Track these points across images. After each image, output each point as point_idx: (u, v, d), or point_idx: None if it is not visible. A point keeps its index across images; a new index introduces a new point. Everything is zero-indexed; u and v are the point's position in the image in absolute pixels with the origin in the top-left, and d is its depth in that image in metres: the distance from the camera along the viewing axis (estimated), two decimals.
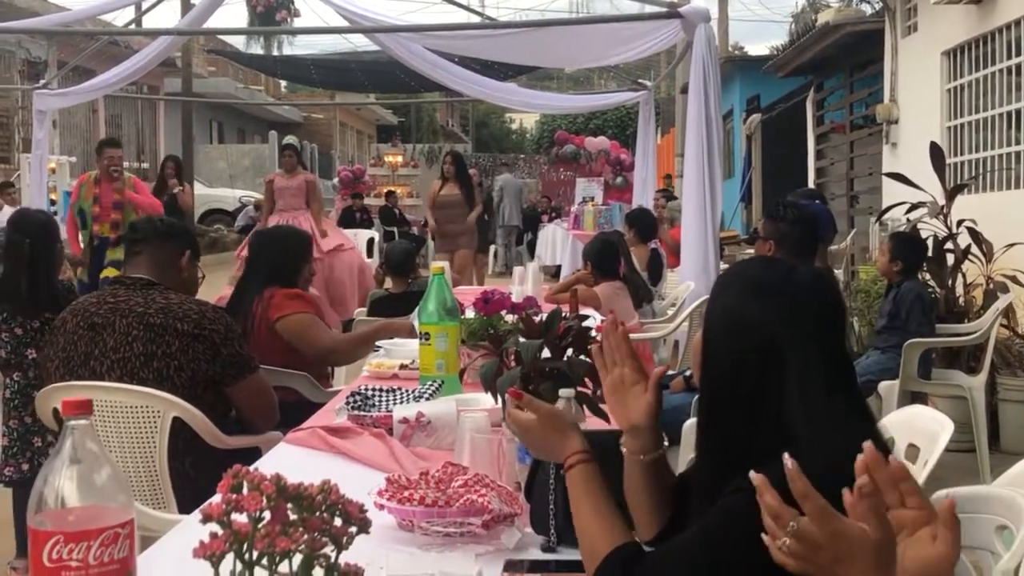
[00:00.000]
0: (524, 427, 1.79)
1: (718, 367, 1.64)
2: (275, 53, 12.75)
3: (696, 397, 2.25)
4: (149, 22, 11.50)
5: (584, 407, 2.11)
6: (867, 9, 11.95)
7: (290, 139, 11.45)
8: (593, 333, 2.44)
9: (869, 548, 1.20)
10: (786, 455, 1.22)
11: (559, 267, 15.16)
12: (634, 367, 1.82)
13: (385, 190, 21.41)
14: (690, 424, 3.46)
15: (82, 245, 8.81)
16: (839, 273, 9.02)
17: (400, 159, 25.42)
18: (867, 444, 1.21)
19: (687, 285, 6.45)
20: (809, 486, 1.20)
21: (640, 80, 11.75)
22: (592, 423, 2.11)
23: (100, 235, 8.53)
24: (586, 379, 2.18)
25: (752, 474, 1.24)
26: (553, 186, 22.63)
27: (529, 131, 55.87)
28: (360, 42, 13.52)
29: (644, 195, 10.88)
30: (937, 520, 1.21)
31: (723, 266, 7.94)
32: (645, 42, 7.05)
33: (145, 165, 22.80)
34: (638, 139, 11.43)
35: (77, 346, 3.16)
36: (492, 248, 16.94)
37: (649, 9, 6.69)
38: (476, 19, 11.28)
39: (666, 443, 1.84)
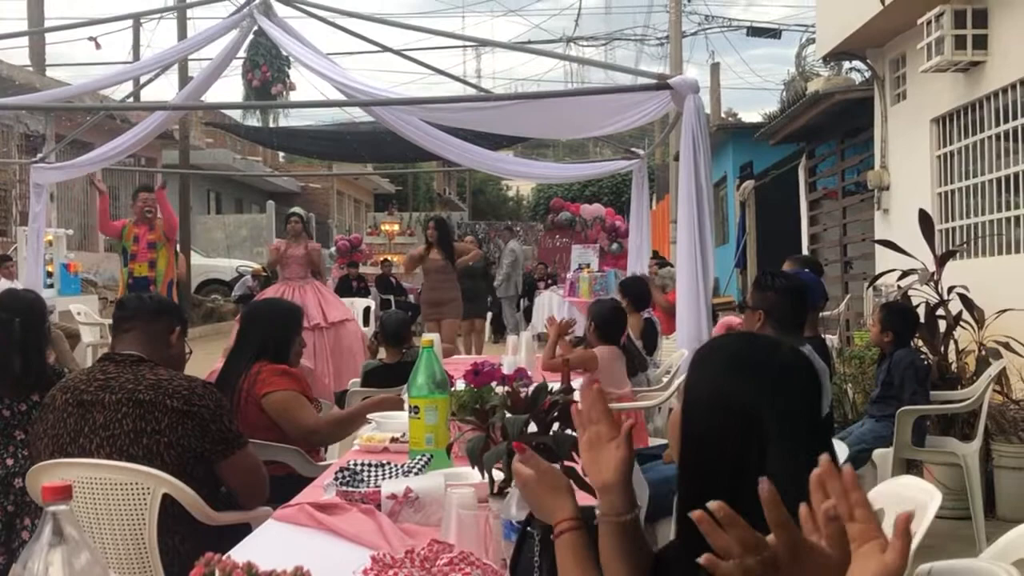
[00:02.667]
0: (524, 481, 1.81)
1: (700, 442, 1.66)
2: (272, 125, 12.88)
3: None
4: (147, 95, 11.66)
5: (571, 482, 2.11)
6: (856, 77, 12.09)
7: (296, 208, 11.52)
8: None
9: (831, 571, 1.22)
10: (763, 480, 1.23)
11: None
12: (610, 425, 1.84)
13: (381, 259, 21.49)
14: None
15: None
16: (833, 339, 9.03)
17: (397, 228, 25.57)
18: (823, 456, 1.24)
19: (681, 352, 6.46)
20: (786, 514, 1.22)
21: (633, 148, 11.83)
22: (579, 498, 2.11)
23: (136, 275, 9.19)
24: (572, 453, 2.19)
25: (712, 503, 1.26)
26: (549, 253, 22.72)
27: (526, 198, 56.21)
28: (356, 113, 13.63)
29: (639, 262, 10.91)
30: (882, 535, 1.23)
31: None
32: (637, 113, 7.11)
33: None
34: (632, 206, 11.48)
35: (66, 423, 3.16)
36: (489, 316, 16.95)
37: (639, 81, 6.77)
38: (471, 91, 11.41)
39: (640, 508, 1.84)
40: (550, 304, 16.52)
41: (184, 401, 3.12)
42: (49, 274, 13.48)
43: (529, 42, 27.18)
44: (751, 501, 1.54)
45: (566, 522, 1.73)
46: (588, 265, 17.75)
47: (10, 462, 4.10)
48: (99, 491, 3.02)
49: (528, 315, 18.44)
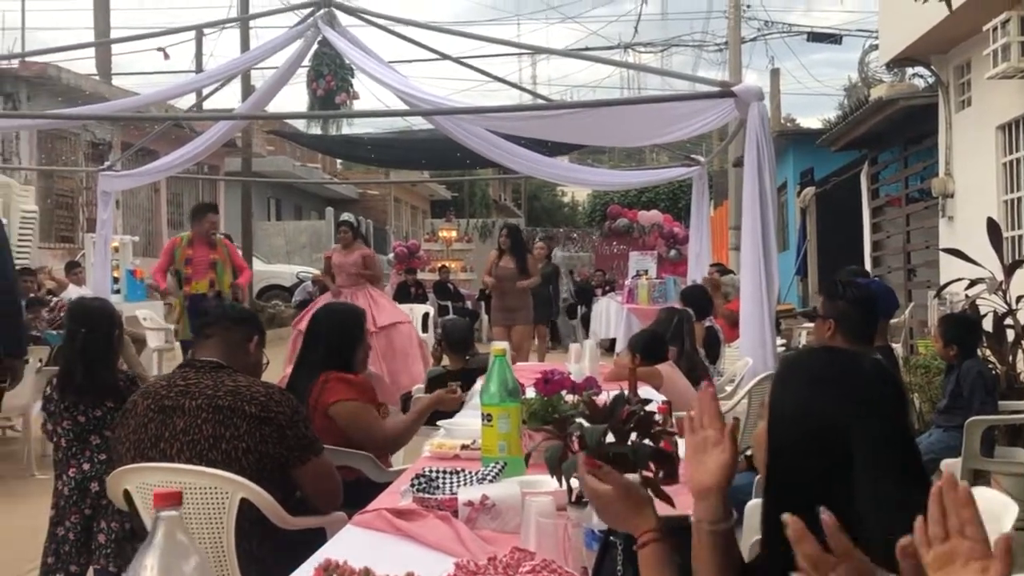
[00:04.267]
0: (598, 496, 1.83)
1: (785, 460, 1.68)
2: (333, 133, 13.02)
3: (758, 478, 2.27)
4: (211, 103, 11.85)
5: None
6: (920, 83, 11.97)
7: (346, 215, 11.63)
8: (656, 416, 2.48)
9: None
10: (822, 508, 1.26)
11: (613, 340, 15.18)
12: (718, 429, 1.86)
13: (439, 265, 21.59)
14: (753, 504, 3.45)
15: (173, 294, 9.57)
16: (898, 348, 8.95)
17: (454, 234, 25.66)
18: (945, 471, 1.26)
19: (745, 361, 6.45)
20: (849, 543, 1.24)
21: (693, 156, 11.83)
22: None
23: (194, 293, 9.05)
24: (650, 463, 2.21)
25: (785, 516, 1.28)
26: (606, 259, 22.70)
27: (581, 204, 56.12)
28: (414, 120, 13.76)
29: (699, 269, 10.90)
30: (990, 556, 1.24)
31: (780, 341, 7.93)
32: (699, 120, 7.11)
33: None
34: (692, 214, 11.47)
35: (148, 428, 3.24)
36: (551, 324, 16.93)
37: (702, 88, 6.78)
38: (528, 97, 11.47)
39: (735, 516, 1.86)
40: (608, 311, 16.51)
41: (262, 407, 3.19)
42: (115, 280, 13.71)
43: (586, 48, 27.17)
44: (839, 516, 1.56)
45: (649, 533, 1.75)
46: (646, 272, 17.73)
47: (86, 467, 4.21)
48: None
49: (586, 322, 18.44)
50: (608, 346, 15.11)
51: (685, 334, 6.61)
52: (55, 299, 11.52)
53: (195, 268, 9.26)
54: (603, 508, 1.85)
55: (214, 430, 3.17)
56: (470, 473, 2.96)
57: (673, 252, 20.10)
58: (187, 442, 3.18)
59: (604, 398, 2.80)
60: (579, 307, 19.49)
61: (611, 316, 16.19)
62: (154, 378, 3.72)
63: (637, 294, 15.78)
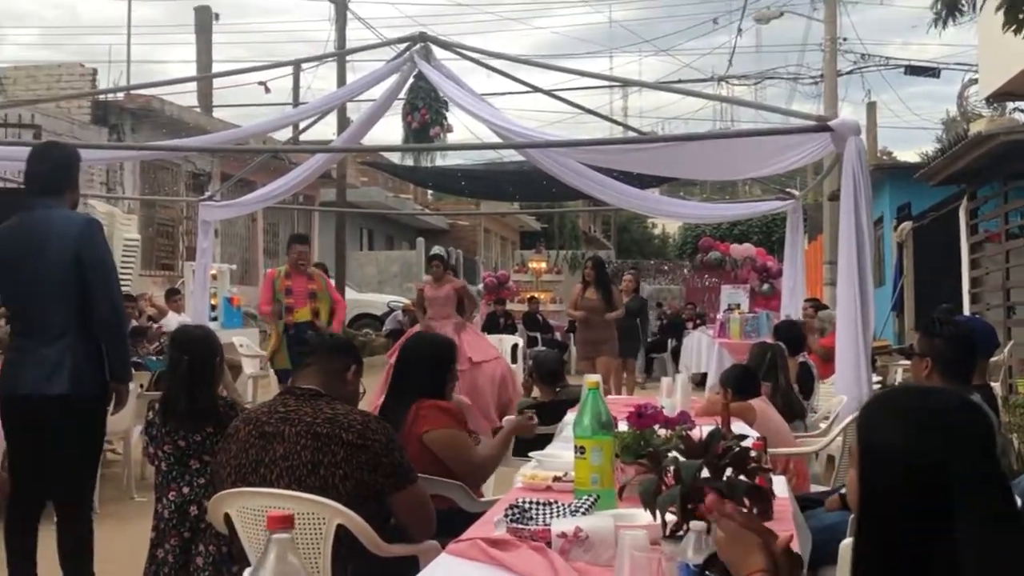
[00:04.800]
0: (730, 534, 1.85)
1: (876, 499, 1.67)
2: (426, 165, 13.20)
3: (852, 517, 2.26)
4: (307, 135, 12.14)
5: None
6: (1021, 118, 11.74)
7: (437, 249, 11.81)
8: (752, 453, 2.48)
9: None
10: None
11: (704, 375, 15.05)
12: (744, 517, 1.88)
13: (528, 296, 21.66)
14: (847, 544, 3.41)
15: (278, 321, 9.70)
16: (997, 387, 8.75)
17: (543, 265, 25.75)
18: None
19: (840, 398, 6.37)
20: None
21: (788, 189, 11.72)
22: None
23: (296, 322, 9.23)
24: (745, 499, 2.22)
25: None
26: (697, 293, 22.54)
27: (672, 236, 55.96)
28: (506, 152, 13.88)
29: (793, 304, 10.78)
30: None
31: (875, 378, 7.81)
32: (794, 155, 7.05)
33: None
34: (786, 248, 11.36)
35: (248, 453, 3.32)
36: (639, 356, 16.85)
37: (797, 122, 6.74)
38: (620, 130, 11.50)
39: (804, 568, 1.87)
40: (699, 345, 16.39)
41: (358, 435, 3.25)
42: (213, 307, 14.00)
43: (679, 81, 27.15)
44: (936, 556, 1.56)
45: (756, 573, 1.76)
46: (739, 306, 17.56)
47: (186, 490, 4.31)
48: None
49: (676, 356, 18.32)
50: (699, 381, 15.00)
51: (779, 370, 6.56)
52: (155, 325, 11.83)
53: (296, 298, 9.53)
54: (728, 545, 1.86)
55: (312, 456, 3.24)
56: (563, 505, 2.98)
57: (766, 286, 19.88)
58: (286, 468, 3.25)
59: (698, 433, 2.80)
60: (669, 341, 19.37)
61: (702, 350, 16.06)
62: (256, 405, 3.82)
63: (729, 328, 15.63)
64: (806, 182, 17.46)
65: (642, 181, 11.25)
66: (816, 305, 11.23)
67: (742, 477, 2.25)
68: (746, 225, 35.19)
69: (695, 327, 18.50)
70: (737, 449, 2.25)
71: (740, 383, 5.88)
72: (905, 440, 1.67)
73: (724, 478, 2.24)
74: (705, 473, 2.24)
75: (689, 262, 25.69)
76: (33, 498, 4.79)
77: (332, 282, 10.39)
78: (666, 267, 31.12)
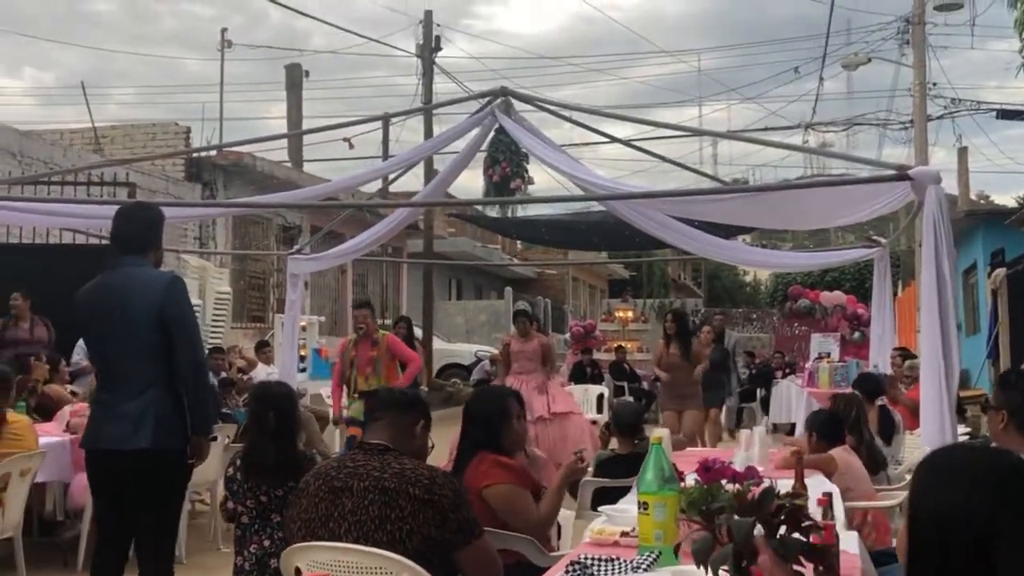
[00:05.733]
0: None
1: (924, 555, 1.66)
2: (511, 215, 13.32)
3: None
4: (395, 186, 12.34)
5: None
6: None
7: (522, 305, 11.87)
8: (815, 509, 2.45)
9: None
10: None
11: (793, 425, 14.82)
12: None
13: (615, 345, 21.58)
14: None
15: (344, 405, 9.71)
16: None
17: (630, 314, 25.65)
18: None
19: (924, 451, 6.24)
20: None
21: (874, 236, 11.58)
22: None
23: (363, 390, 9.30)
24: (800, 558, 2.20)
25: None
26: (787, 341, 22.26)
27: (763, 284, 55.44)
28: (590, 201, 13.93)
29: (881, 353, 10.60)
30: None
31: (964, 429, 7.63)
32: (876, 203, 6.97)
33: (388, 322, 23.90)
34: (874, 296, 11.20)
35: (318, 508, 3.38)
36: (726, 407, 16.65)
37: (877, 172, 6.66)
38: (703, 179, 11.47)
39: None
40: (788, 394, 16.16)
41: (425, 490, 3.28)
42: (302, 358, 14.23)
43: (765, 128, 27.01)
44: None
45: None
46: (828, 354, 17.27)
47: (267, 543, 4.39)
48: (347, 575, 3.20)
49: (765, 405, 18.07)
50: (788, 430, 14.77)
51: (862, 425, 6.46)
52: (245, 377, 12.05)
53: (359, 368, 9.50)
54: None
55: (380, 511, 3.28)
56: (625, 562, 2.97)
57: (857, 334, 19.54)
58: (354, 522, 3.29)
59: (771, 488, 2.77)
60: (758, 390, 19.12)
61: (791, 400, 15.83)
62: (326, 460, 3.88)
63: (818, 377, 15.36)
64: (899, 226, 17.17)
65: (727, 230, 11.20)
66: (904, 354, 11.02)
67: (797, 535, 2.23)
68: (838, 272, 34.65)
69: (784, 376, 18.24)
70: (790, 506, 2.24)
71: (825, 428, 5.80)
72: (953, 498, 1.65)
73: (778, 536, 2.22)
74: (760, 531, 2.23)
75: (778, 310, 25.39)
76: (117, 549, 4.91)
77: (401, 342, 10.23)
78: (755, 315, 30.82)
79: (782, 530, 2.25)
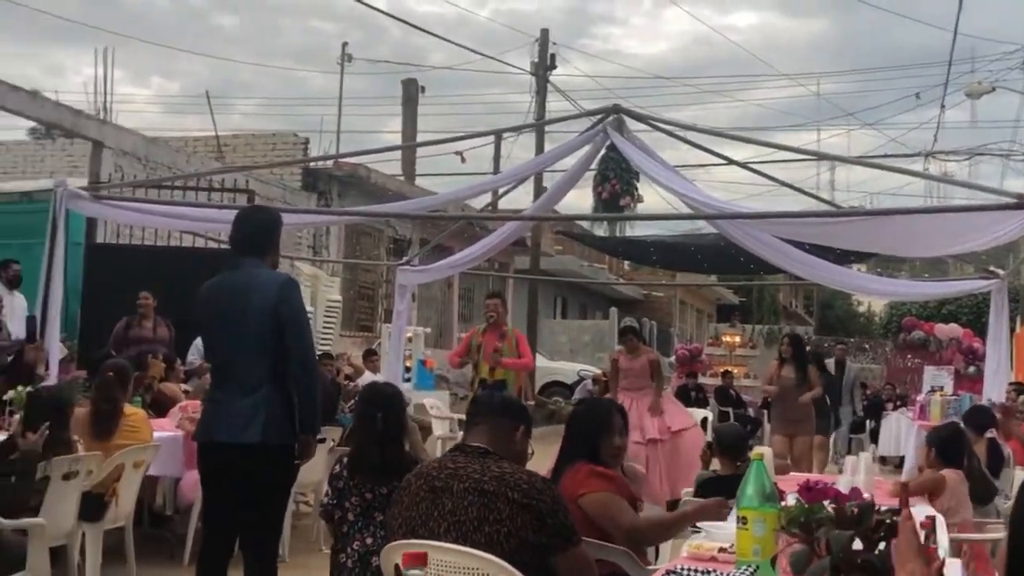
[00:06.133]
0: None
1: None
2: (619, 235, 13.30)
3: None
4: (504, 204, 12.45)
5: None
6: None
7: (628, 321, 11.88)
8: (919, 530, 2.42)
9: None
10: None
11: (902, 458, 14.49)
12: (921, 564, 1.83)
13: (722, 370, 21.36)
14: None
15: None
16: None
17: (738, 339, 25.35)
18: None
19: None
20: None
21: (991, 268, 11.28)
22: None
23: (480, 377, 9.61)
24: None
25: None
26: (899, 373, 21.81)
27: (877, 314, 54.38)
28: (700, 224, 13.84)
29: (995, 387, 10.32)
30: None
31: None
32: (993, 232, 6.83)
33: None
34: (989, 329, 10.92)
35: (419, 507, 3.43)
36: (834, 435, 16.36)
37: (994, 199, 6.53)
38: (821, 206, 11.31)
39: None
40: (898, 427, 15.82)
41: (524, 494, 3.32)
42: (407, 369, 14.41)
43: (885, 156, 26.49)
44: None
45: None
46: (941, 388, 16.87)
47: (369, 541, 4.47)
48: (444, 574, 3.25)
49: (875, 437, 17.71)
50: (897, 463, 14.47)
51: (969, 456, 6.31)
52: (352, 384, 12.24)
53: (484, 354, 9.75)
54: None
55: (479, 513, 3.32)
56: (719, 574, 2.96)
57: (972, 368, 19.04)
58: (453, 523, 3.34)
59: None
60: (868, 422, 18.75)
61: (900, 432, 15.49)
62: (428, 460, 3.95)
63: (930, 411, 15.01)
64: (1018, 260, 16.70)
65: (841, 257, 11.04)
66: (1020, 389, 10.72)
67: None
68: (954, 305, 33.84)
69: (895, 408, 17.86)
70: (890, 521, 2.21)
71: (946, 446, 5.67)
72: None
73: (877, 551, 2.20)
74: (859, 545, 2.21)
75: (892, 341, 24.87)
76: (223, 544, 5.04)
77: (525, 339, 10.61)
78: (867, 345, 30.19)
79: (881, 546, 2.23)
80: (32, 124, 20.65)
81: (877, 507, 2.30)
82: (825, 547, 2.25)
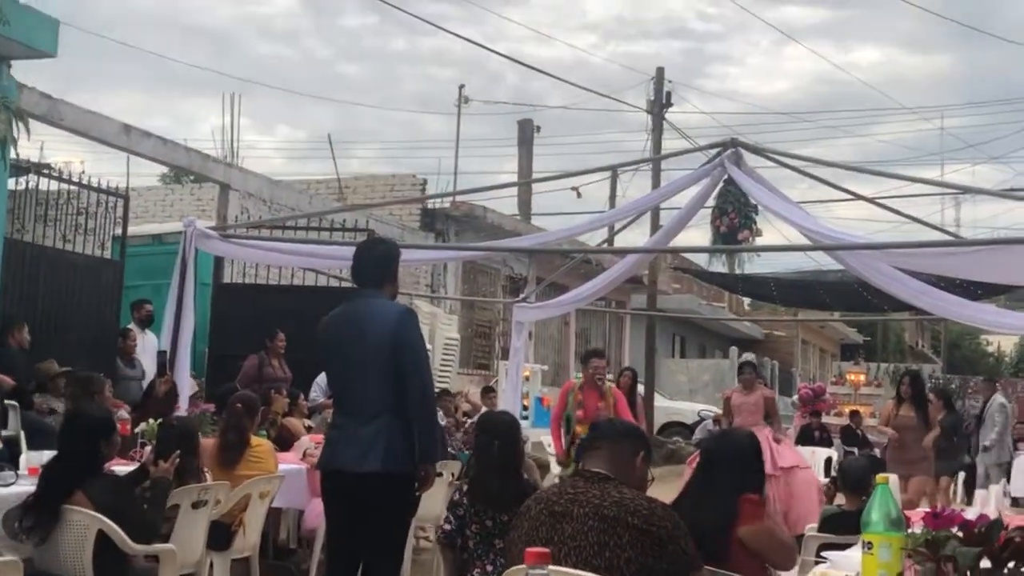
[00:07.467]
0: None
1: None
2: (737, 271, 13.17)
3: None
4: (620, 242, 12.48)
5: None
6: None
7: (747, 356, 11.73)
8: None
9: None
10: None
11: None
12: None
13: (849, 410, 20.88)
14: None
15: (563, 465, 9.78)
16: None
17: (862, 378, 24.79)
18: None
19: None
20: None
21: None
22: None
23: (582, 436, 9.39)
24: None
25: None
26: None
27: (1007, 354, 52.69)
28: (824, 260, 13.63)
29: None
30: None
31: None
32: None
33: (609, 376, 23.93)
34: None
35: (539, 531, 3.44)
36: (962, 476, 15.82)
37: None
38: (942, 237, 11.04)
39: None
40: None
41: (644, 520, 3.31)
42: (524, 407, 14.43)
43: (1011, 189, 25.73)
44: None
45: None
46: None
47: (489, 568, 4.50)
48: None
49: (1007, 475, 17.08)
50: None
51: None
52: (469, 421, 12.33)
53: (586, 412, 9.56)
54: None
55: (599, 538, 3.32)
56: None
57: None
58: (574, 547, 3.35)
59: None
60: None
61: None
62: (548, 485, 3.98)
63: None
64: None
65: (972, 294, 10.75)
66: None
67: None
68: None
69: None
70: (1019, 539, 2.15)
71: None
72: None
73: (1005, 569, 2.14)
74: (986, 564, 2.16)
75: (1021, 381, 24.07)
76: (345, 572, 5.11)
77: (624, 400, 10.28)
78: (998, 383, 29.14)
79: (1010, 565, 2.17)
80: (163, 171, 21.41)
81: (1005, 525, 2.24)
82: (952, 565, 2.20)
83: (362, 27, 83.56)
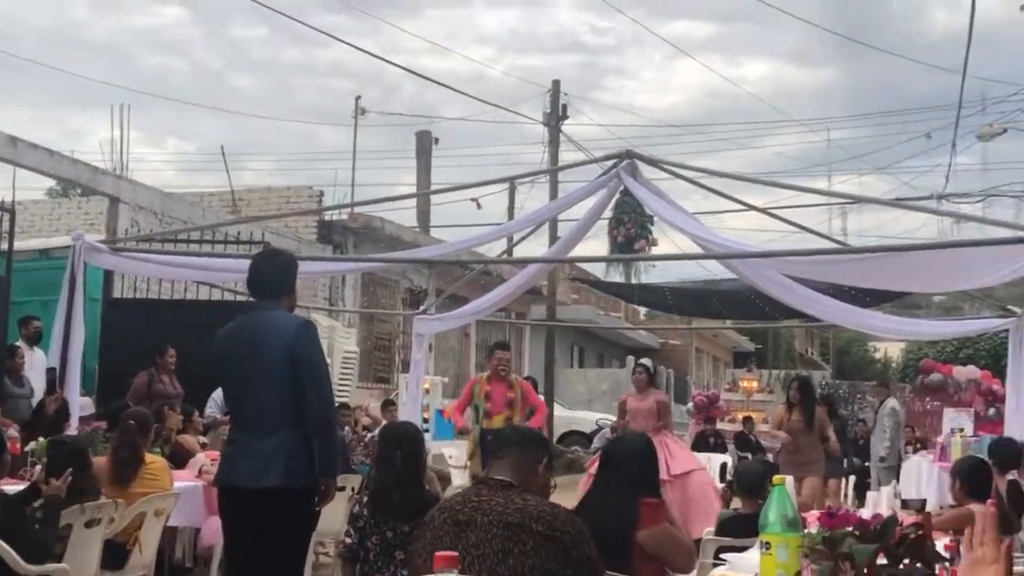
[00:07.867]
0: None
1: None
2: (634, 281, 13.32)
3: None
4: (518, 254, 12.50)
5: None
6: None
7: (644, 360, 11.84)
8: (944, 553, 2.42)
9: None
10: None
11: (924, 502, 14.36)
12: (994, 549, 1.84)
13: (743, 416, 21.26)
14: None
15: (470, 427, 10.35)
16: None
17: (755, 384, 25.26)
18: None
19: None
20: None
21: (1010, 306, 11.25)
22: None
23: (492, 428, 9.49)
24: None
25: None
26: (917, 416, 21.67)
27: (894, 360, 54.12)
28: (717, 270, 13.87)
29: (1018, 427, 10.25)
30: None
31: None
32: (1006, 268, 6.83)
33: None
34: (1009, 368, 10.87)
35: (443, 540, 3.43)
36: (852, 479, 16.19)
37: (1008, 234, 6.54)
38: (829, 245, 11.32)
39: None
40: (918, 470, 15.68)
41: (548, 526, 3.32)
42: (425, 420, 14.40)
43: (900, 199, 26.47)
44: None
45: None
46: (962, 429, 16.75)
47: None
48: None
49: (897, 477, 17.54)
50: (919, 507, 14.31)
51: (991, 489, 6.26)
52: (369, 435, 12.24)
53: (494, 404, 9.77)
54: None
55: (503, 545, 3.32)
56: None
57: (992, 410, 18.88)
58: (478, 555, 3.34)
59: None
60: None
61: (921, 475, 15.35)
62: (452, 494, 3.97)
63: (950, 452, 14.91)
64: None
65: (861, 302, 11.02)
66: None
67: (919, 566, 2.21)
68: (972, 348, 33.67)
69: (915, 451, 17.72)
70: (913, 536, 2.22)
71: (972, 476, 5.60)
72: None
73: (901, 566, 2.20)
74: (882, 560, 2.21)
75: (909, 385, 24.76)
76: None
77: (531, 389, 10.65)
78: (892, 388, 29.93)
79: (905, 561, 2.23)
80: (50, 184, 20.85)
81: (900, 522, 2.31)
82: (848, 562, 2.25)
83: (253, 38, 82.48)
